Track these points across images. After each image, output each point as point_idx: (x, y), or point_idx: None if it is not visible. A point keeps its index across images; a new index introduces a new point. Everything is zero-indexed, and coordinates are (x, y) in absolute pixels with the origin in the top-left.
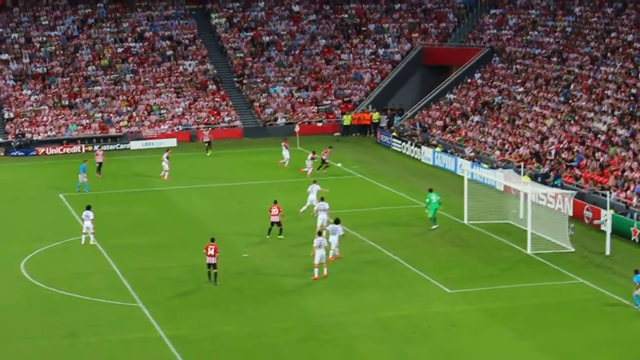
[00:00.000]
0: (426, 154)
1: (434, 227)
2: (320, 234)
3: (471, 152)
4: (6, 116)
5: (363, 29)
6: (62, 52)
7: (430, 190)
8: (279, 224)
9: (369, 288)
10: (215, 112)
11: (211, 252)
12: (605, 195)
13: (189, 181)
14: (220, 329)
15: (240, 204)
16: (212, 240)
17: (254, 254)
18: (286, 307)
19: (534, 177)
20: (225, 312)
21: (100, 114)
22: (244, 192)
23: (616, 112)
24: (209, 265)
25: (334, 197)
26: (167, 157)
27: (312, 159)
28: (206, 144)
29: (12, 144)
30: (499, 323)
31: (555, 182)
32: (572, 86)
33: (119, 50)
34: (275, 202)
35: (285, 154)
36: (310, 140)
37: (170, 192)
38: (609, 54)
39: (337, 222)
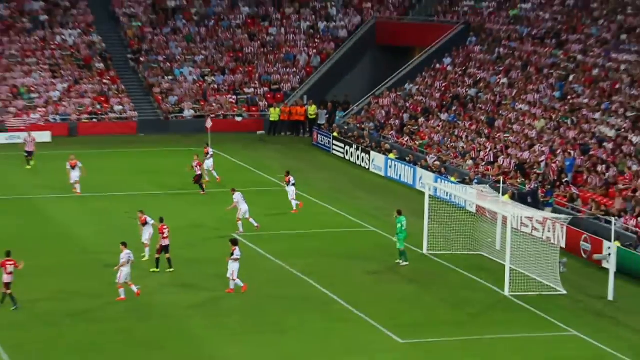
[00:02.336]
0: (377, 161)
1: (403, 263)
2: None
3: (435, 160)
4: None
5: None
6: None
7: (400, 214)
8: (167, 250)
9: (295, 334)
10: (103, 99)
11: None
12: (609, 222)
13: (66, 189)
14: None
15: (126, 214)
16: (162, 220)
17: (146, 286)
18: (189, 356)
19: (517, 197)
20: None
21: None
22: (136, 205)
23: (629, 114)
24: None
25: (254, 214)
26: (73, 166)
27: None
28: (26, 154)
29: None
30: None
31: (545, 204)
32: (571, 77)
33: None
34: (162, 221)
35: (208, 163)
36: (225, 139)
37: (42, 202)
38: (622, 36)
39: (234, 242)
